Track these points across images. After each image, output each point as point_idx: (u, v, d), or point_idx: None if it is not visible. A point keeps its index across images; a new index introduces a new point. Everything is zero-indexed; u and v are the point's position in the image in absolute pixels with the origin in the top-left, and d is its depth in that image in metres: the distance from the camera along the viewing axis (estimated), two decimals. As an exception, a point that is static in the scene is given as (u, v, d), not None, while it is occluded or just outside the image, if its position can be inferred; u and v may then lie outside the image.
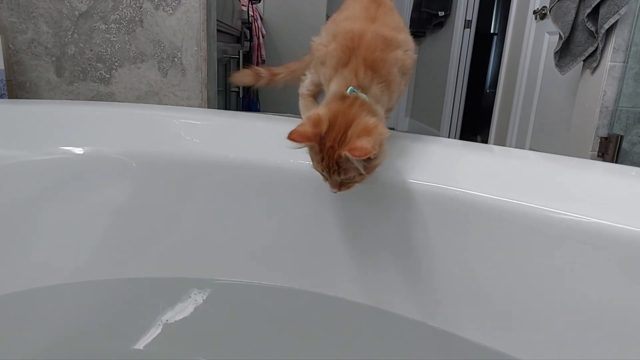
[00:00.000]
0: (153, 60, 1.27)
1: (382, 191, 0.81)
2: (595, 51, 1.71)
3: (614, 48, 1.67)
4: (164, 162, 0.94)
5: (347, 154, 0.63)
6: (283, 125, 0.68)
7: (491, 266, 0.76)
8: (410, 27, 4.13)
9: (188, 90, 1.29)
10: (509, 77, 2.76)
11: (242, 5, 2.41)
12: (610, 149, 1.72)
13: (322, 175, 0.72)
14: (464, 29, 3.86)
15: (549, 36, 2.28)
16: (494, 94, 2.99)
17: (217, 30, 1.43)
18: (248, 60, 2.45)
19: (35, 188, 0.92)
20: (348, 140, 0.65)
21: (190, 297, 0.91)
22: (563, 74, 1.90)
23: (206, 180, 0.93)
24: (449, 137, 3.90)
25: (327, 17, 2.85)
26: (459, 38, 3.88)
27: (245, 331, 0.87)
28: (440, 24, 4.12)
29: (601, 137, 1.74)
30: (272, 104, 2.70)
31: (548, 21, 2.07)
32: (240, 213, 0.92)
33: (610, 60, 1.68)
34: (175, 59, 1.27)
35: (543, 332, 0.72)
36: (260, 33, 2.60)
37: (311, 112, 0.70)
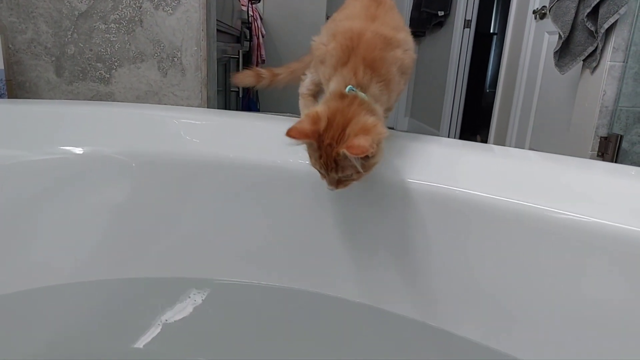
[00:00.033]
0: (153, 60, 1.27)
1: (382, 191, 0.81)
2: (595, 51, 1.71)
3: (613, 48, 1.67)
4: (163, 162, 0.94)
5: (345, 151, 0.64)
6: (283, 125, 0.68)
7: (490, 266, 0.76)
8: (410, 26, 4.05)
9: (188, 90, 1.29)
10: (508, 76, 2.76)
11: (242, 5, 2.41)
12: (610, 149, 1.72)
13: (320, 172, 0.72)
14: (464, 28, 3.86)
15: (549, 36, 2.28)
16: (493, 93, 2.99)
17: (217, 30, 1.43)
18: (248, 60, 2.45)
19: (36, 188, 0.92)
20: (346, 138, 0.66)
21: (189, 297, 0.91)
22: (563, 74, 1.89)
23: (206, 180, 0.93)
24: (448, 136, 3.90)
25: (327, 17, 2.85)
26: (458, 38, 3.88)
27: (244, 331, 0.87)
28: (440, 23, 4.12)
29: (601, 137, 1.74)
30: (272, 104, 2.70)
31: (548, 21, 2.07)
32: (240, 213, 0.92)
33: (610, 59, 1.68)
34: (175, 59, 1.27)
35: (543, 332, 0.72)
36: (260, 33, 2.61)
37: (310, 109, 0.70)
